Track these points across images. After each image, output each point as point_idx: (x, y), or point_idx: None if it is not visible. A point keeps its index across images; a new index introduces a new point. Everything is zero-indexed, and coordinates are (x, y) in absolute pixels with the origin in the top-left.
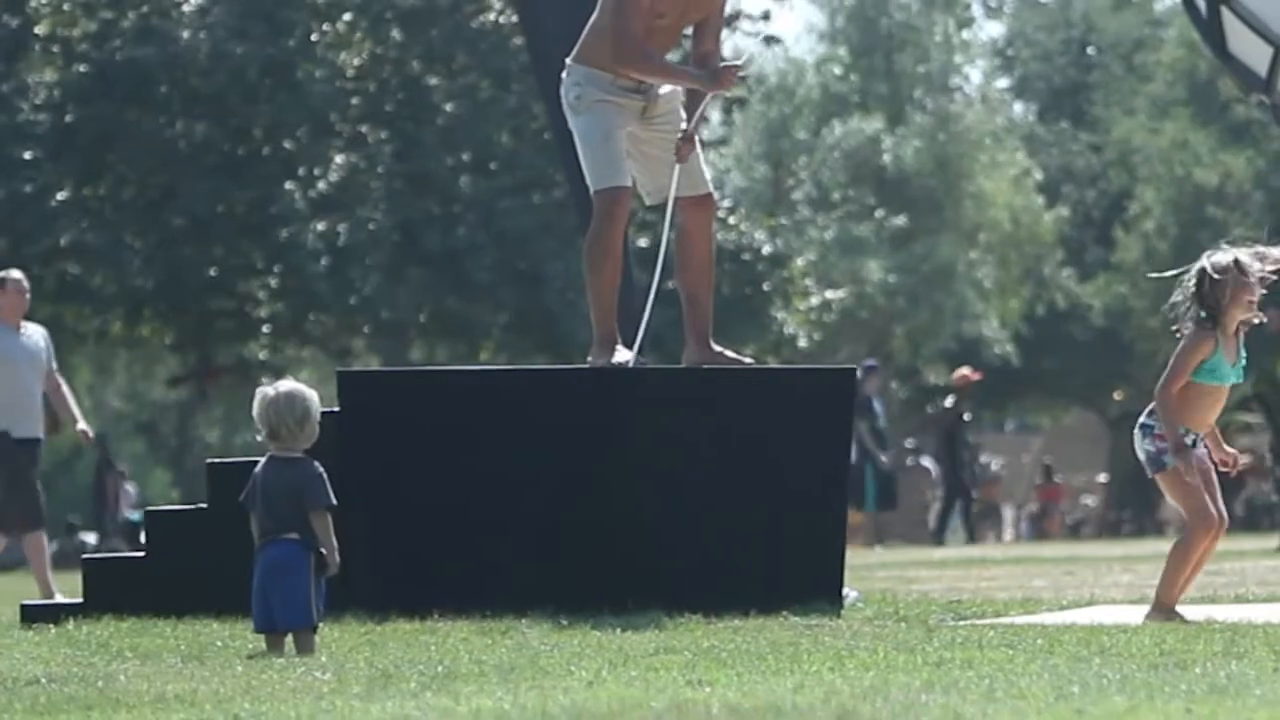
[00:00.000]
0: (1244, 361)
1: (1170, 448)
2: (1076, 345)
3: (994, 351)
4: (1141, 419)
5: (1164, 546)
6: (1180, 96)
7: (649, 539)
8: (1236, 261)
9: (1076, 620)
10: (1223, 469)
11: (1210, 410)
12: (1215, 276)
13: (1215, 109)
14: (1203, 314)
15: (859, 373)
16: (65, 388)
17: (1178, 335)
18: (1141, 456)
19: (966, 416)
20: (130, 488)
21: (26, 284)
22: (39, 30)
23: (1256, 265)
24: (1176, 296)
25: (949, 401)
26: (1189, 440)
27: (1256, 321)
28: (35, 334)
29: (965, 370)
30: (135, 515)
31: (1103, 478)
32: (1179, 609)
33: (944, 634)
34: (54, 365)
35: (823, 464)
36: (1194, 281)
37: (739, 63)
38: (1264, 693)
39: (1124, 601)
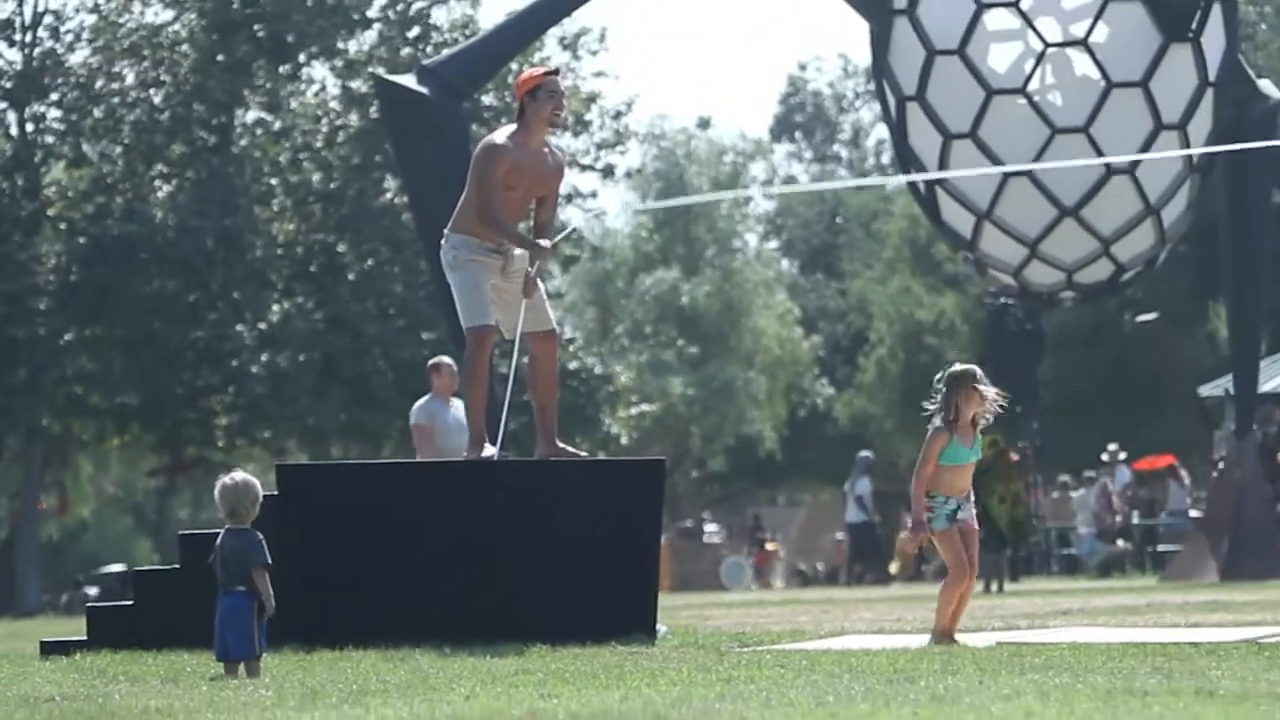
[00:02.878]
0: (979, 444)
1: (912, 520)
2: (828, 441)
3: (765, 446)
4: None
5: (895, 591)
6: (905, 254)
7: (511, 587)
8: (968, 372)
9: (831, 646)
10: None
11: (960, 480)
12: (952, 381)
13: (931, 264)
14: (943, 414)
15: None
16: None
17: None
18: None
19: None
20: None
21: (456, 368)
22: (50, 212)
23: (987, 387)
24: (931, 405)
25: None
26: (952, 506)
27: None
28: (459, 406)
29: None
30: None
31: (842, 536)
32: (957, 636)
33: (732, 658)
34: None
35: (640, 531)
36: (941, 387)
37: (555, 241)
38: (972, 700)
39: (867, 632)
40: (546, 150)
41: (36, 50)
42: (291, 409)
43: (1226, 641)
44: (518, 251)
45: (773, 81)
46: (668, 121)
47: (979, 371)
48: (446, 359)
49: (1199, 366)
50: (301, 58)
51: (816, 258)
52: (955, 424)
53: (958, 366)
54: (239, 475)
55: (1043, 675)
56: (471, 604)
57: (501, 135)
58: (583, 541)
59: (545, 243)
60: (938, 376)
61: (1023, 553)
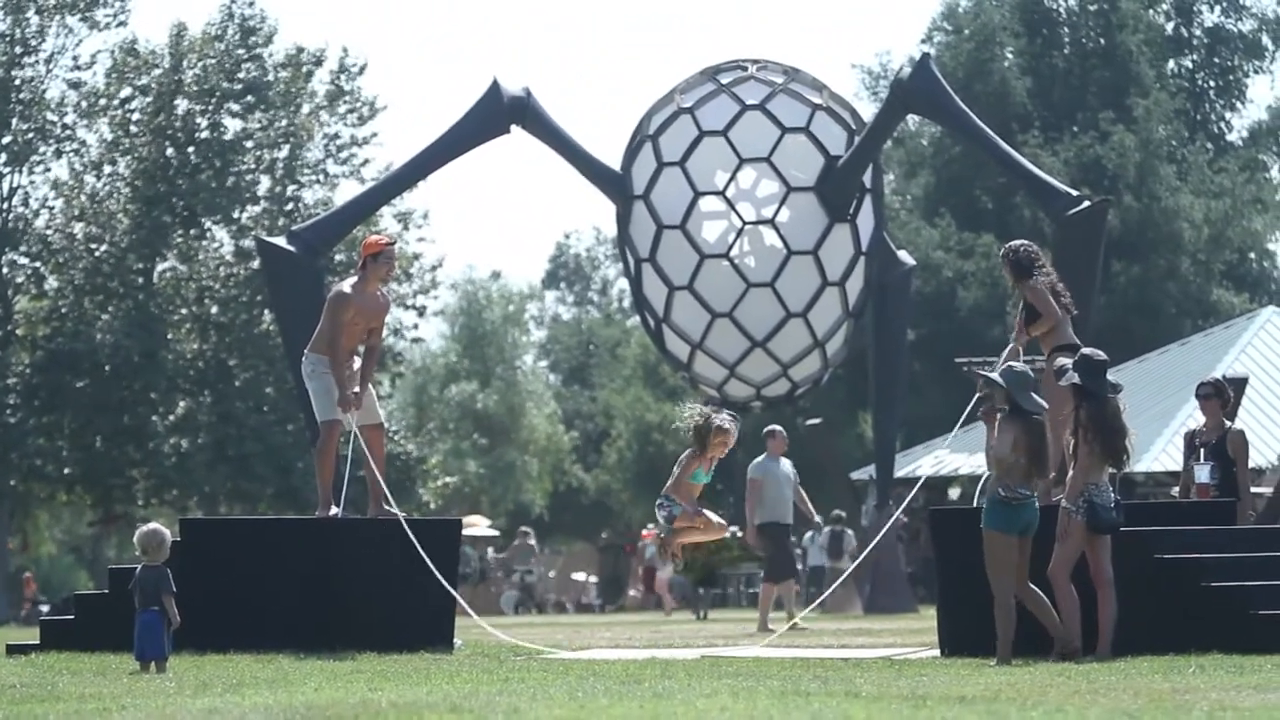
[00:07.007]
0: (714, 471)
1: (667, 513)
2: (581, 508)
3: (535, 510)
4: (660, 500)
5: (629, 618)
6: (639, 373)
7: (349, 608)
8: (720, 425)
9: (580, 657)
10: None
11: (695, 494)
12: (708, 428)
13: (658, 380)
14: (695, 450)
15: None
16: (806, 498)
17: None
18: (661, 519)
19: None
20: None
21: (785, 434)
22: (18, 332)
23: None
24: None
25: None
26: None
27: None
28: (787, 464)
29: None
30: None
31: (594, 578)
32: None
33: (509, 664)
34: (797, 481)
35: (442, 569)
36: (692, 426)
37: (357, 392)
38: (683, 697)
39: (606, 647)
40: (378, 294)
41: (10, 215)
42: (191, 479)
43: (867, 658)
44: (356, 365)
45: (545, 245)
46: (470, 272)
47: (726, 422)
48: (779, 427)
49: (851, 458)
50: (206, 223)
51: (575, 374)
52: (704, 456)
53: (714, 419)
54: (149, 526)
55: (734, 680)
56: (320, 621)
57: (347, 285)
58: (401, 576)
59: (352, 397)
60: (698, 422)
61: (717, 590)
